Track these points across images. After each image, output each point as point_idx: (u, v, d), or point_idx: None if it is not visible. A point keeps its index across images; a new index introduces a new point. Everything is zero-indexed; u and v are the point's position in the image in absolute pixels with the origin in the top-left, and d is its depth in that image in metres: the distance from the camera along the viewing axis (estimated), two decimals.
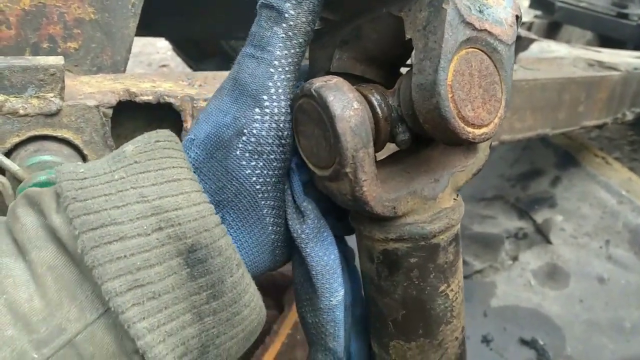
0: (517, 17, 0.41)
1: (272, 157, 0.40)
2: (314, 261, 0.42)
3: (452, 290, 0.44)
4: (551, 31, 2.63)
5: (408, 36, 0.38)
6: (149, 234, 0.33)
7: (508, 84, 0.40)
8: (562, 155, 1.91)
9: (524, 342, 1.39)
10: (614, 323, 1.43)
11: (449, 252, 0.43)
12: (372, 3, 0.41)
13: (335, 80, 0.38)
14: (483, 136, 0.38)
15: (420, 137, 0.44)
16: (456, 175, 0.44)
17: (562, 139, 1.94)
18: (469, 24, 0.36)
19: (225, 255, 0.35)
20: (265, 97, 0.39)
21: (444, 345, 0.46)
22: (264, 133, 0.39)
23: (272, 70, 0.39)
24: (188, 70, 2.39)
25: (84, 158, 0.54)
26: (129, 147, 0.38)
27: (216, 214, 0.38)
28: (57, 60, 0.49)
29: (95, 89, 0.57)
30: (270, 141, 0.39)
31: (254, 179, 0.39)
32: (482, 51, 0.38)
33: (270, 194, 0.41)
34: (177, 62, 3.61)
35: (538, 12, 2.67)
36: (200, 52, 2.20)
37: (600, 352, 1.36)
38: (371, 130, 0.38)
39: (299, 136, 0.41)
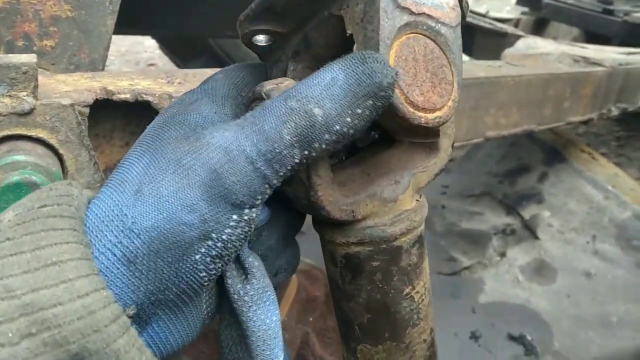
0: (461, 1, 0.41)
1: (232, 256, 0.34)
2: (255, 326, 0.37)
3: (417, 292, 0.44)
4: (538, 28, 2.64)
5: (349, 32, 0.37)
6: (17, 342, 0.25)
7: (458, 66, 0.39)
8: (549, 151, 1.92)
9: (512, 337, 1.39)
10: (601, 318, 1.44)
11: (412, 255, 0.42)
12: (314, 7, 0.40)
13: (287, 82, 0.38)
14: (437, 120, 0.38)
15: (383, 136, 0.43)
16: (417, 176, 0.43)
17: (549, 135, 1.95)
18: (405, 9, 0.36)
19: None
20: (247, 206, 0.33)
21: (412, 348, 0.45)
22: (233, 238, 0.33)
23: (267, 185, 0.33)
24: (175, 68, 2.37)
25: (60, 157, 0.53)
26: (8, 213, 0.30)
27: (146, 310, 0.32)
28: (29, 58, 0.48)
29: (72, 88, 0.56)
30: (238, 244, 0.34)
31: (206, 278, 0.33)
32: (425, 35, 0.37)
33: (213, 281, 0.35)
34: (164, 61, 3.58)
35: (525, 9, 2.68)
36: (187, 51, 2.19)
37: (587, 346, 1.37)
38: None
39: None
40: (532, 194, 1.84)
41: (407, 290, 0.43)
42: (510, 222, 1.79)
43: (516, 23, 2.54)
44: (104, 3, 0.66)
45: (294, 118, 0.32)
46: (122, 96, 0.57)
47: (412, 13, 0.36)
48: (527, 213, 1.79)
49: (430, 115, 0.37)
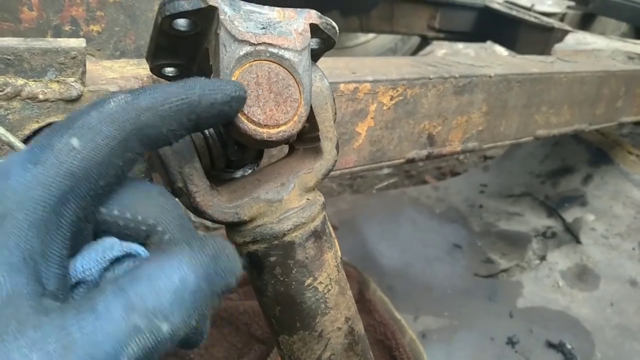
0: (313, 25, 0.44)
1: None
2: None
3: (320, 283, 0.48)
4: (584, 22, 2.53)
5: (210, 63, 0.42)
6: None
7: (305, 83, 0.43)
8: (595, 152, 1.84)
9: (551, 345, 1.34)
10: None
11: (307, 248, 0.47)
12: (194, 44, 0.45)
13: None
14: (281, 134, 0.42)
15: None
16: (303, 177, 0.48)
17: (594, 135, 1.87)
18: (244, 41, 0.41)
19: None
20: None
21: (325, 336, 0.49)
22: None
23: None
24: None
25: None
26: None
27: None
28: (78, 42, 0.47)
29: (118, 74, 0.54)
30: None
31: None
32: (270, 61, 0.42)
33: None
34: None
35: (571, 3, 2.57)
36: None
37: (632, 358, 1.31)
38: (205, 149, 0.44)
39: (154, 163, 0.45)
40: (575, 196, 1.77)
41: (309, 281, 0.47)
42: (551, 225, 1.72)
43: (562, 17, 2.44)
44: None
45: (137, 340, 0.26)
46: None
47: (251, 44, 0.41)
48: (569, 216, 1.72)
49: (274, 131, 0.42)
